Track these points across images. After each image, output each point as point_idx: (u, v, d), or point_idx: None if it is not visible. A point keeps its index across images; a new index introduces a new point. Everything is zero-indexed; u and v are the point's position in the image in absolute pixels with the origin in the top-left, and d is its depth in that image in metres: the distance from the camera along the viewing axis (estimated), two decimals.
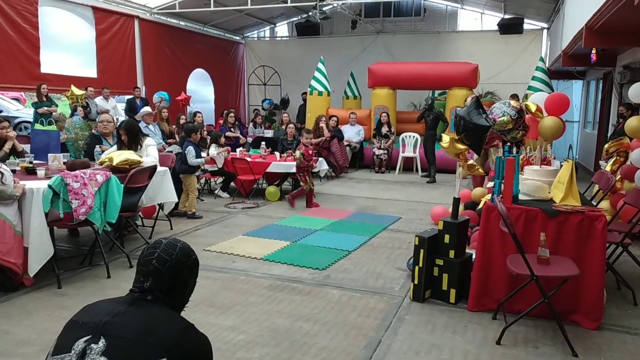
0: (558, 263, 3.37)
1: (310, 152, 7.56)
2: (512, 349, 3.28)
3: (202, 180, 8.50)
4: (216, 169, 8.11)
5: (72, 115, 9.29)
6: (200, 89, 15.53)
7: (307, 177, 7.49)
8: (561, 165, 4.16)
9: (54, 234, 4.34)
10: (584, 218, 3.53)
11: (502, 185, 3.76)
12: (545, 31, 14.41)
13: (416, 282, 4.01)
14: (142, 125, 8.31)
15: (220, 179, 8.58)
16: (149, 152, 5.52)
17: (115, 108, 11.12)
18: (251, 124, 13.02)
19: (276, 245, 5.50)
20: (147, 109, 9.23)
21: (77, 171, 4.39)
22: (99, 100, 10.85)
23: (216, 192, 8.42)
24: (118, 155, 4.99)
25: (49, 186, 4.14)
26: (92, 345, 1.49)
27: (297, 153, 7.63)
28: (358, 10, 15.60)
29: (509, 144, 4.75)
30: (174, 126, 10.11)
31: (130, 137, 5.48)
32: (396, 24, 15.99)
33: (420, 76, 11.69)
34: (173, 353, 1.50)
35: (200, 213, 6.92)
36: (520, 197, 3.86)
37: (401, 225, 6.58)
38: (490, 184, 4.74)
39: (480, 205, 5.57)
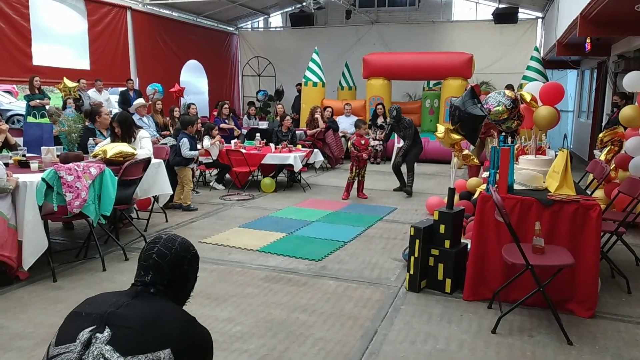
0: (553, 252, 3.39)
1: (363, 141, 7.47)
2: (508, 337, 3.30)
3: (197, 173, 8.47)
4: (211, 160, 8.08)
5: (64, 108, 9.22)
6: (194, 80, 15.44)
7: (354, 167, 7.48)
8: (556, 155, 4.16)
9: (48, 227, 4.32)
10: (578, 207, 3.54)
11: (497, 175, 3.77)
12: (539, 20, 14.38)
13: (412, 272, 4.02)
14: (135, 117, 8.25)
15: (215, 171, 8.56)
16: (143, 145, 5.49)
17: (108, 100, 11.04)
18: (245, 116, 12.97)
19: (272, 237, 5.50)
20: (141, 100, 9.16)
21: (70, 164, 4.36)
22: (92, 92, 10.77)
23: (211, 184, 8.40)
24: (112, 148, 4.96)
25: (43, 179, 4.11)
26: (97, 334, 1.50)
27: (349, 143, 7.65)
28: (352, 0, 15.51)
29: (504, 133, 4.76)
30: (168, 118, 10.05)
31: (124, 129, 5.45)
32: (391, 13, 15.92)
33: (415, 66, 11.67)
34: (177, 344, 1.53)
35: (195, 205, 6.90)
36: (515, 186, 3.87)
37: (397, 216, 6.59)
38: (486, 174, 4.74)
39: (476, 195, 5.59)
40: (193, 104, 10.33)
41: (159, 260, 1.71)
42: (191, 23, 15.14)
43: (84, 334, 1.51)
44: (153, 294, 1.67)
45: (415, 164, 9.87)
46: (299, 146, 8.93)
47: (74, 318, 1.61)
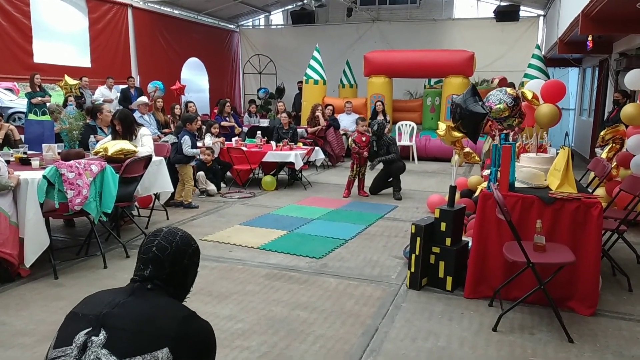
0: (554, 250, 3.39)
1: (364, 138, 7.44)
2: (509, 335, 3.30)
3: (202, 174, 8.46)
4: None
5: (65, 105, 9.22)
6: (195, 78, 15.42)
7: (354, 165, 7.49)
8: (557, 153, 4.16)
9: (49, 225, 4.32)
10: (579, 205, 3.54)
11: (499, 172, 3.76)
12: (541, 18, 14.36)
13: (413, 270, 4.02)
14: (136, 115, 8.26)
15: None
16: (144, 142, 5.49)
17: (117, 98, 11.06)
18: (246, 114, 12.97)
19: (273, 235, 5.50)
20: (144, 98, 9.18)
21: (71, 161, 4.36)
22: (103, 89, 10.80)
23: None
24: (113, 145, 4.97)
25: (44, 176, 4.11)
26: (93, 337, 1.48)
27: (349, 140, 7.64)
28: None
29: (505, 131, 4.75)
30: (169, 116, 10.05)
31: (125, 126, 5.45)
32: (392, 11, 15.89)
33: (416, 64, 11.66)
34: (175, 342, 1.50)
35: (196, 203, 6.91)
36: (517, 184, 3.86)
37: (398, 214, 6.59)
38: (487, 172, 4.74)
39: (477, 193, 5.58)
40: (191, 101, 10.32)
41: (159, 253, 1.67)
42: (192, 21, 15.12)
43: (80, 337, 1.49)
44: (150, 289, 1.63)
45: (417, 162, 9.78)
46: (300, 144, 8.93)
47: (72, 319, 1.59)
